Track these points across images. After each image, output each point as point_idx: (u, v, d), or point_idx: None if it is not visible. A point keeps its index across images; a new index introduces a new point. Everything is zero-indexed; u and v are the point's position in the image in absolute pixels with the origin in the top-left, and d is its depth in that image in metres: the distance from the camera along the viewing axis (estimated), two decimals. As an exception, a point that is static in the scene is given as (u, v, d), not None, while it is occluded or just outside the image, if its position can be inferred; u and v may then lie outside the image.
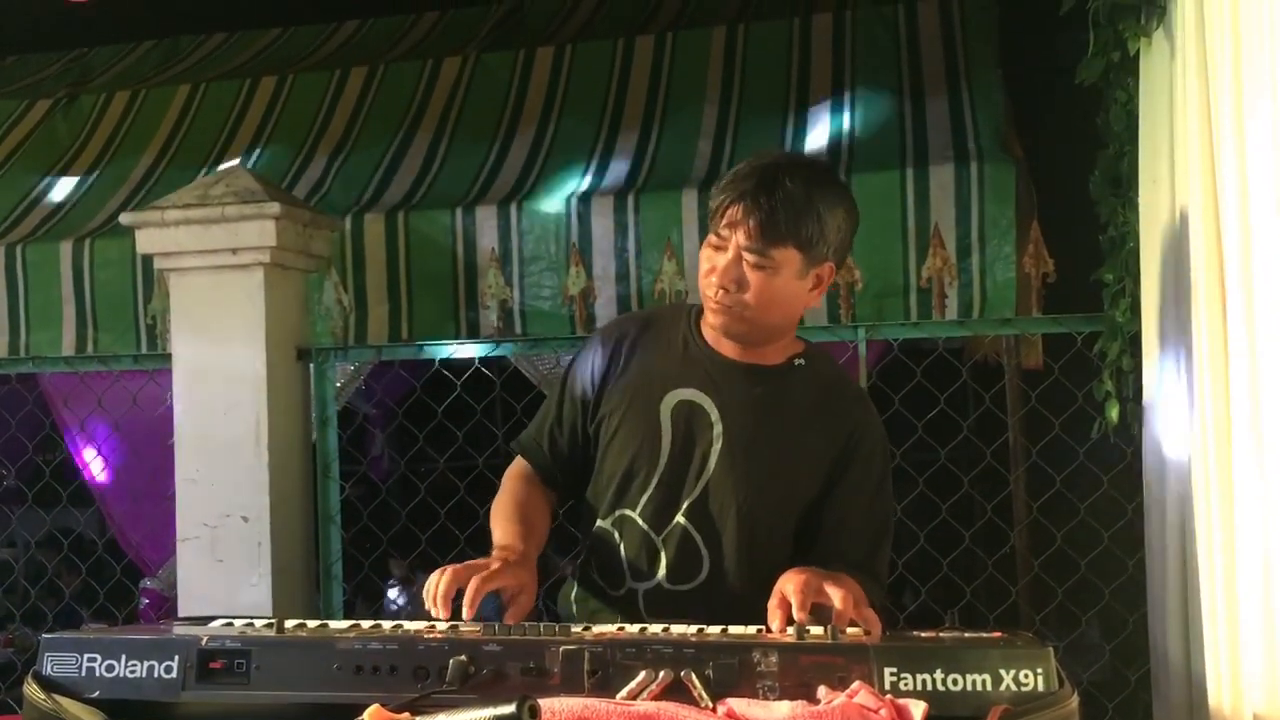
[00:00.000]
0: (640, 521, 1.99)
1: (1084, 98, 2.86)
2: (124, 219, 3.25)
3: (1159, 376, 2.46)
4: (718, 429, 1.96)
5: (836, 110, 3.97)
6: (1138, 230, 2.56)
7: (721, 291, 1.89)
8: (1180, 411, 2.33)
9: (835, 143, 3.80)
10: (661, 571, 1.97)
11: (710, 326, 1.98)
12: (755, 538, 1.95)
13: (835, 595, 1.64)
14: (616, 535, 2.01)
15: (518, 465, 2.12)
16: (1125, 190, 2.67)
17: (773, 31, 4.38)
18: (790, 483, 1.96)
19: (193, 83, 4.77)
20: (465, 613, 1.71)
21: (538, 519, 2.03)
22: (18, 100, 4.86)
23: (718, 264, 1.89)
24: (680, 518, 1.97)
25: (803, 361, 2.01)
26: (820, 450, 1.96)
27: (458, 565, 1.79)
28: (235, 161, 4.12)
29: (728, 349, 1.99)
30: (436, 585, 1.74)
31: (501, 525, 1.99)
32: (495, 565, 1.82)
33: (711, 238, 1.91)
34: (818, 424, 1.97)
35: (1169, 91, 2.33)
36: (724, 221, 1.87)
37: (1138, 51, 2.50)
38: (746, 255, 1.86)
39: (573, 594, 2.09)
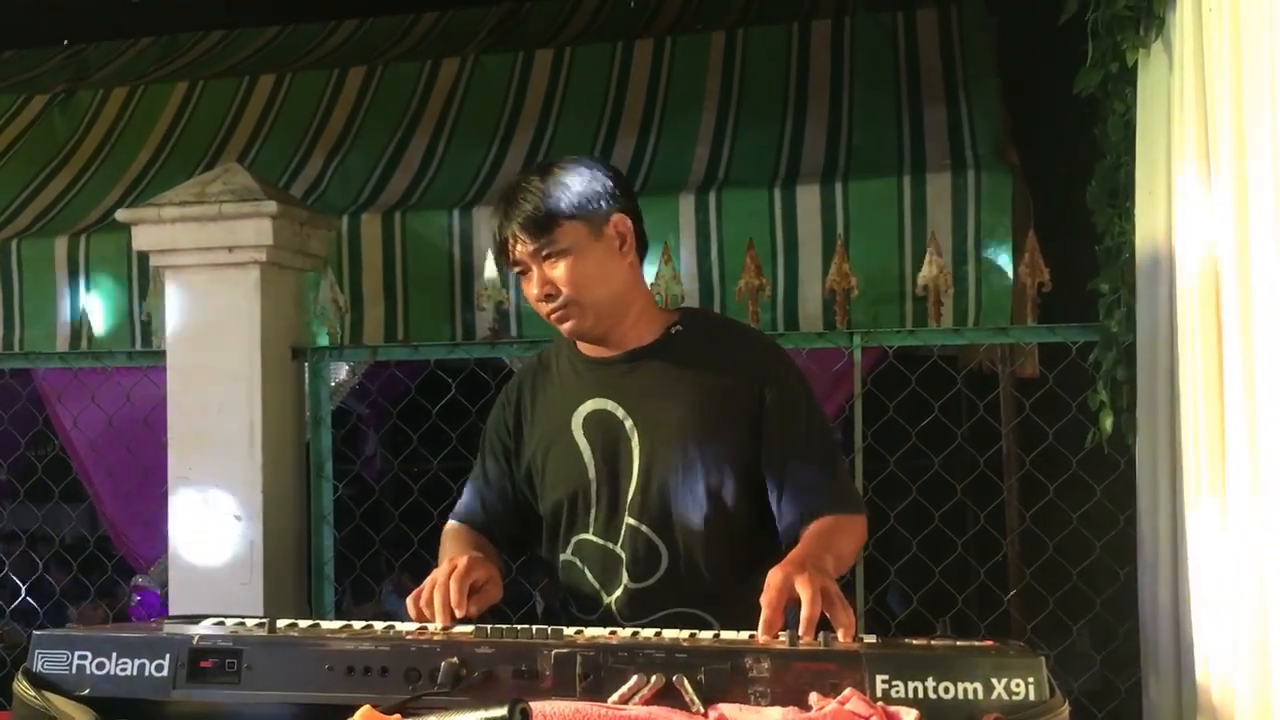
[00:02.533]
0: (595, 539, 2.01)
1: (1081, 108, 2.87)
2: (120, 215, 3.24)
3: (1153, 387, 2.46)
4: (629, 423, 1.99)
5: (834, 117, 3.97)
6: (1134, 241, 2.56)
7: (547, 303, 1.96)
8: (1174, 422, 2.33)
9: (833, 149, 3.81)
10: (624, 574, 1.99)
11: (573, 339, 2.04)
12: (700, 513, 1.96)
13: (805, 596, 1.64)
14: (578, 561, 2.03)
15: (454, 525, 2.14)
16: (1122, 201, 2.68)
17: (771, 37, 4.39)
18: (716, 445, 1.97)
19: (190, 80, 4.76)
20: (458, 613, 1.75)
21: (487, 550, 2.05)
22: (14, 95, 4.86)
23: (532, 287, 1.96)
24: (627, 518, 1.99)
25: (680, 326, 2.05)
26: (732, 401, 1.98)
27: (431, 579, 1.82)
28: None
29: (603, 349, 2.03)
30: (429, 600, 1.78)
31: (451, 550, 2.01)
32: (462, 561, 1.84)
33: (516, 272, 1.99)
34: (718, 377, 1.99)
35: (1166, 103, 2.34)
36: (511, 254, 1.95)
37: (1136, 63, 2.51)
38: (539, 259, 1.92)
39: None
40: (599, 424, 2.00)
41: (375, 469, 5.93)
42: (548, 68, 4.47)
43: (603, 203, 1.95)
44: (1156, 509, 2.43)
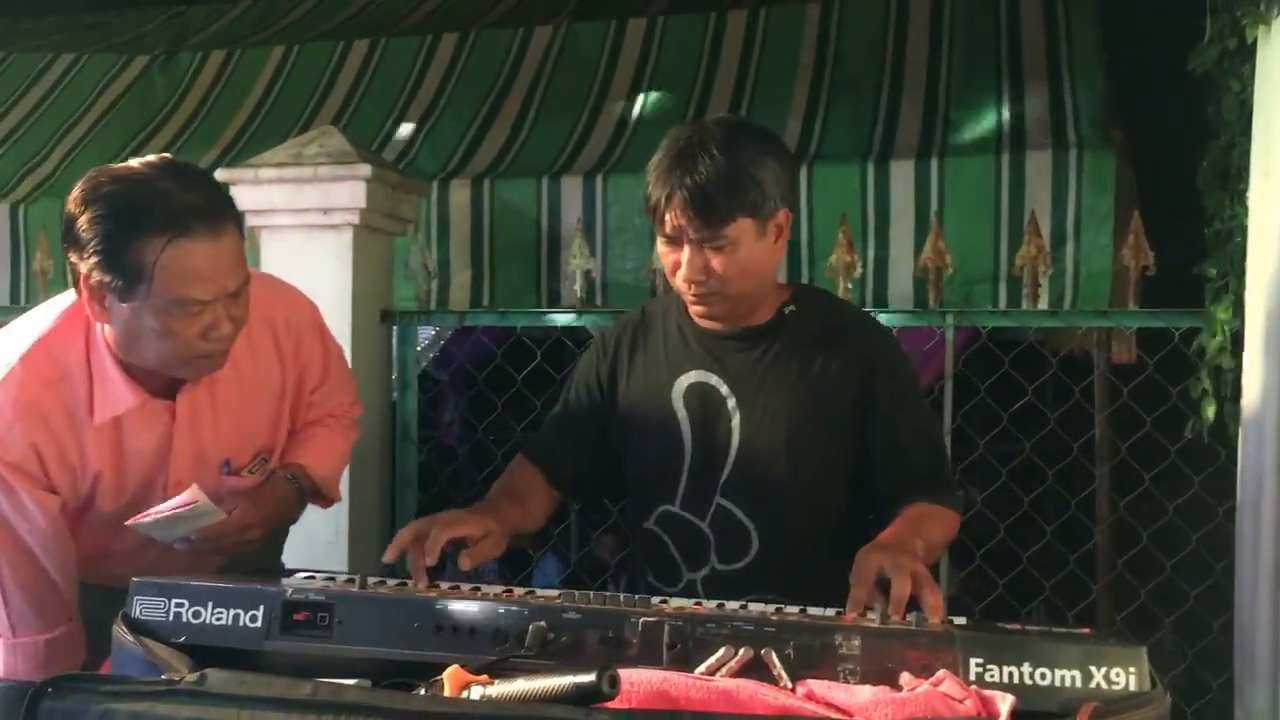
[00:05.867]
0: (682, 512, 1.99)
1: (1193, 86, 2.77)
2: (218, 175, 3.29)
3: (1262, 377, 2.38)
4: (731, 402, 1.95)
5: (931, 92, 3.89)
6: (1245, 225, 2.48)
7: (693, 285, 1.88)
8: (1283, 413, 2.25)
9: (929, 125, 3.73)
10: (712, 556, 1.97)
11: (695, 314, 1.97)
12: (797, 500, 1.93)
13: (895, 578, 1.61)
14: (662, 532, 2.01)
15: (520, 458, 2.13)
16: (1234, 183, 2.59)
17: (868, 9, 4.30)
18: (818, 431, 1.93)
19: (287, 44, 4.82)
20: (426, 559, 1.73)
21: (527, 497, 2.04)
22: (117, 55, 4.95)
23: (680, 259, 1.87)
24: (719, 498, 1.96)
25: (794, 307, 1.98)
26: (839, 387, 1.93)
27: (420, 520, 1.81)
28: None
29: (718, 323, 1.97)
30: (402, 540, 1.76)
31: (488, 499, 2.01)
32: (458, 513, 1.84)
33: (661, 235, 1.88)
34: (827, 362, 1.94)
35: (1288, 81, 2.25)
36: (667, 222, 1.85)
37: (1255, 40, 2.42)
38: (695, 241, 1.84)
39: None
40: (700, 397, 1.97)
41: (456, 434, 5.99)
42: (640, 37, 4.44)
43: (777, 200, 1.87)
44: (1260, 503, 2.36)
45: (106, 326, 1.85)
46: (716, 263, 1.85)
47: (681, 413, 1.98)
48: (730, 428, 1.95)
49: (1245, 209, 2.47)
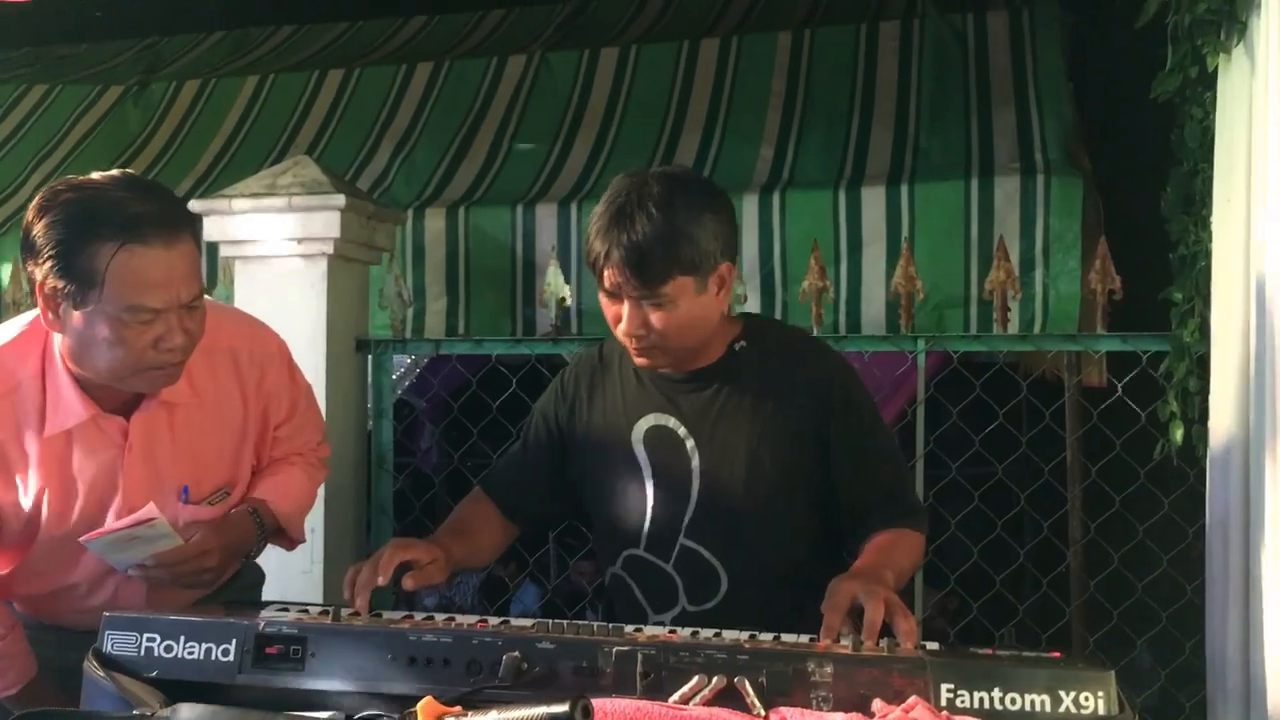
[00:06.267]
0: (646, 555, 2.00)
1: (1157, 113, 2.81)
2: (192, 206, 3.29)
3: (1226, 399, 2.41)
4: (690, 443, 1.96)
5: (901, 119, 3.94)
6: (1210, 249, 2.51)
7: (634, 339, 1.89)
8: (1247, 435, 2.28)
9: (899, 151, 3.78)
10: (681, 597, 1.98)
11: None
12: (763, 535, 1.95)
13: (868, 605, 1.62)
14: (627, 576, 2.03)
15: (477, 492, 2.15)
16: (1198, 208, 2.63)
17: (839, 37, 4.36)
18: (778, 465, 1.94)
19: (261, 74, 4.83)
20: (379, 578, 1.77)
21: (480, 534, 2.06)
22: (90, 86, 4.95)
23: (621, 313, 1.88)
24: (683, 539, 1.97)
25: (744, 343, 1.99)
26: (795, 418, 1.94)
27: (366, 559, 1.83)
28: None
29: (670, 366, 1.98)
30: (356, 573, 1.79)
31: (439, 532, 2.04)
32: (402, 541, 1.87)
33: (601, 289, 1.89)
34: (782, 395, 1.95)
35: (1248, 109, 2.29)
36: (606, 277, 1.86)
37: (1216, 68, 2.46)
38: (635, 299, 1.85)
39: None
40: (659, 440, 1.98)
41: (430, 462, 5.98)
42: (613, 66, 4.47)
43: (716, 256, 1.87)
44: (1228, 524, 2.38)
45: (61, 337, 1.84)
46: (656, 318, 1.86)
47: (642, 456, 1.99)
48: (690, 468, 1.96)
49: (1209, 234, 2.51)
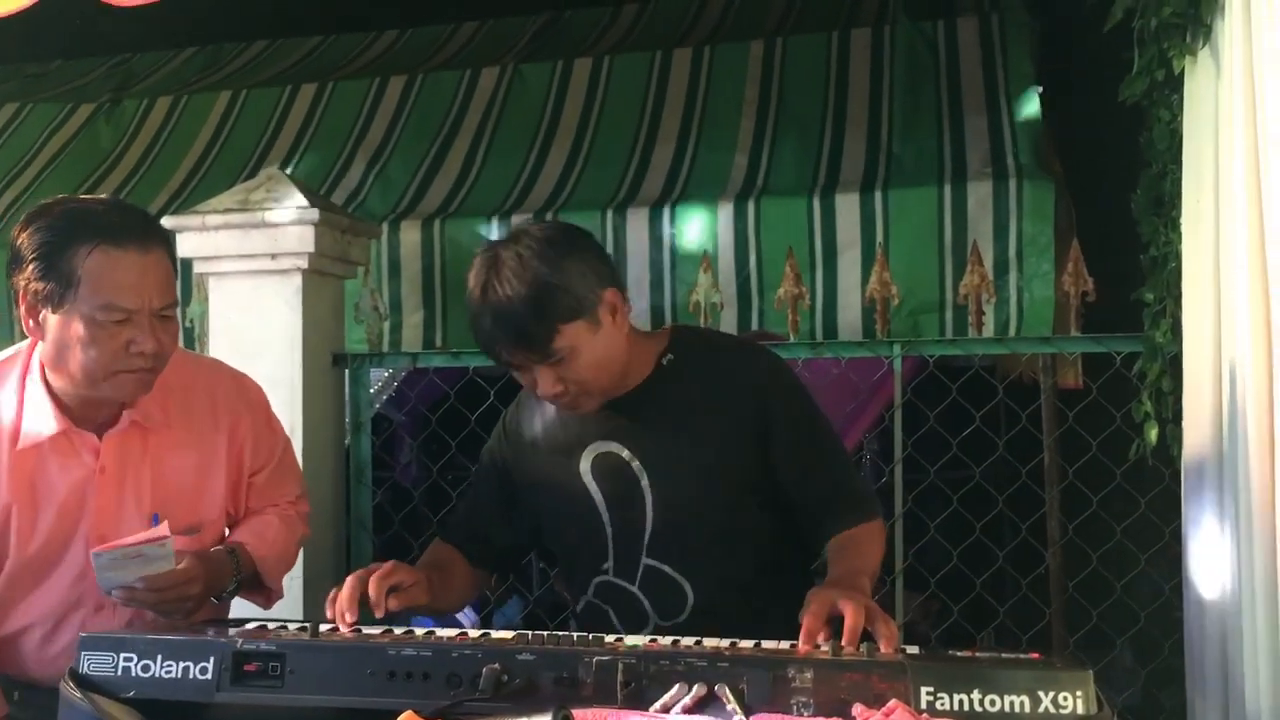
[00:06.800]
0: (615, 580, 2.01)
1: (1126, 116, 2.84)
2: (165, 222, 3.27)
3: (1200, 398, 2.43)
4: (636, 464, 1.97)
5: (874, 125, 3.96)
6: (1180, 250, 2.53)
7: (555, 399, 1.91)
8: (1221, 434, 2.30)
9: (872, 158, 3.80)
10: (651, 617, 1.99)
11: None
12: (721, 543, 1.95)
13: (847, 609, 1.63)
14: (602, 603, 2.03)
15: (438, 542, 2.15)
16: (1168, 210, 2.65)
17: (811, 45, 4.38)
18: (726, 472, 1.95)
19: (234, 89, 4.82)
20: (376, 612, 1.79)
21: (450, 575, 2.06)
22: (61, 104, 4.93)
23: (533, 380, 1.89)
24: (646, 559, 1.98)
25: (671, 355, 1.99)
26: (734, 422, 1.95)
27: (351, 577, 1.83)
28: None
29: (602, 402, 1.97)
30: (337, 593, 1.79)
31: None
32: (387, 565, 1.86)
33: (505, 365, 1.91)
34: (717, 401, 1.96)
35: (1214, 110, 2.31)
36: (501, 357, 1.87)
37: (1182, 70, 2.48)
38: (541, 363, 1.85)
39: None
40: (607, 467, 1.99)
41: (410, 476, 5.96)
42: (586, 76, 4.48)
43: (593, 291, 1.87)
44: (1203, 522, 2.40)
45: (42, 346, 1.90)
46: (565, 373, 1.86)
47: (592, 486, 2.00)
48: (642, 489, 1.97)
49: (1179, 235, 2.53)
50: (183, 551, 1.93)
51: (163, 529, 1.83)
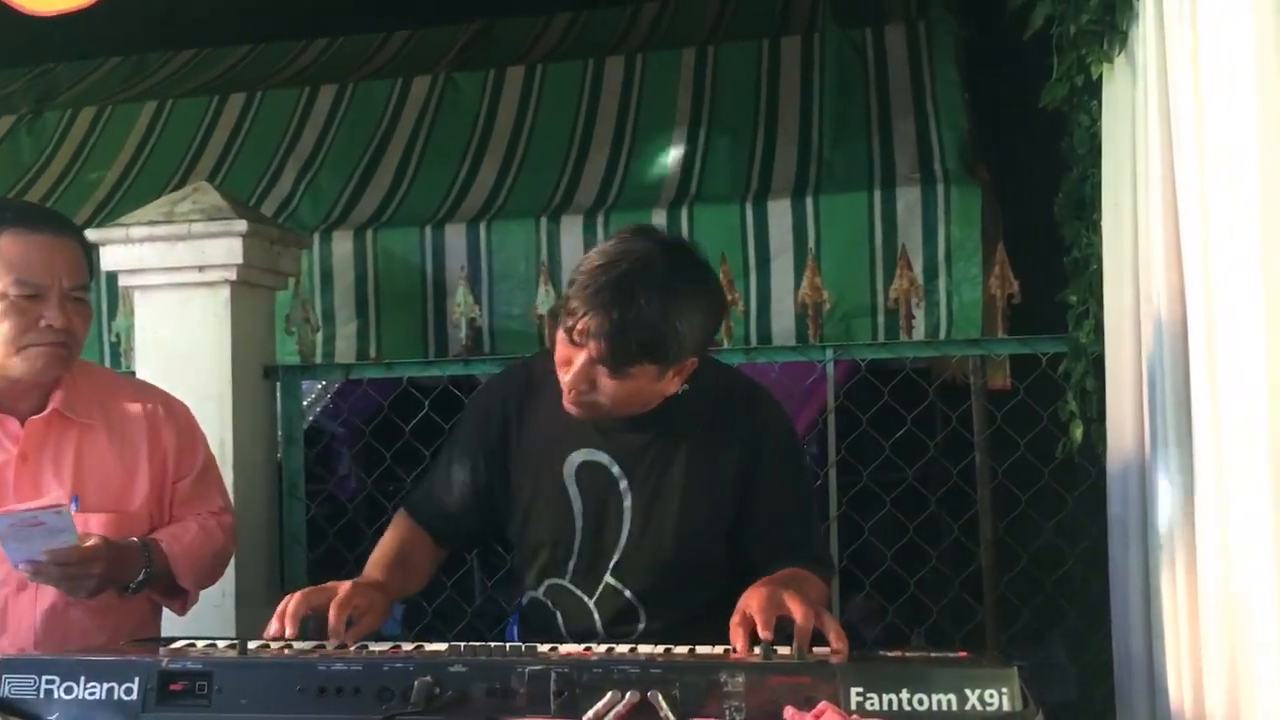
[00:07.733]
0: (571, 588, 2.00)
1: (1049, 122, 2.89)
2: (89, 235, 3.21)
3: (1121, 397, 2.48)
4: (623, 484, 1.96)
5: (805, 132, 3.99)
6: (1100, 252, 2.58)
7: (574, 391, 1.83)
8: (1143, 431, 2.35)
9: (804, 164, 3.83)
10: (599, 630, 1.98)
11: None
12: (685, 580, 1.95)
13: (796, 609, 1.64)
14: (550, 604, 2.02)
15: (405, 519, 2.11)
16: (1089, 213, 2.70)
17: (742, 53, 4.41)
18: (709, 512, 1.95)
19: (160, 99, 4.74)
20: (334, 639, 1.74)
21: (414, 563, 2.04)
22: (-19, 116, 4.82)
23: (571, 360, 1.81)
24: (608, 577, 1.97)
25: (686, 385, 1.93)
26: (726, 464, 1.95)
27: (308, 589, 1.82)
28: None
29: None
30: (286, 605, 1.76)
31: (373, 563, 2.00)
32: (346, 587, 1.82)
33: (564, 332, 1.81)
34: (717, 440, 1.96)
35: (1131, 115, 2.36)
36: (577, 327, 1.77)
37: (1100, 76, 2.54)
38: (600, 366, 1.79)
39: None
40: (592, 477, 1.97)
41: (348, 488, 5.90)
42: (519, 85, 4.47)
43: (691, 352, 1.82)
44: (1127, 519, 2.44)
45: None
46: (606, 383, 1.81)
47: (573, 490, 1.97)
48: (622, 509, 1.96)
49: (1099, 237, 2.58)
50: (91, 533, 1.97)
51: (57, 497, 1.91)
